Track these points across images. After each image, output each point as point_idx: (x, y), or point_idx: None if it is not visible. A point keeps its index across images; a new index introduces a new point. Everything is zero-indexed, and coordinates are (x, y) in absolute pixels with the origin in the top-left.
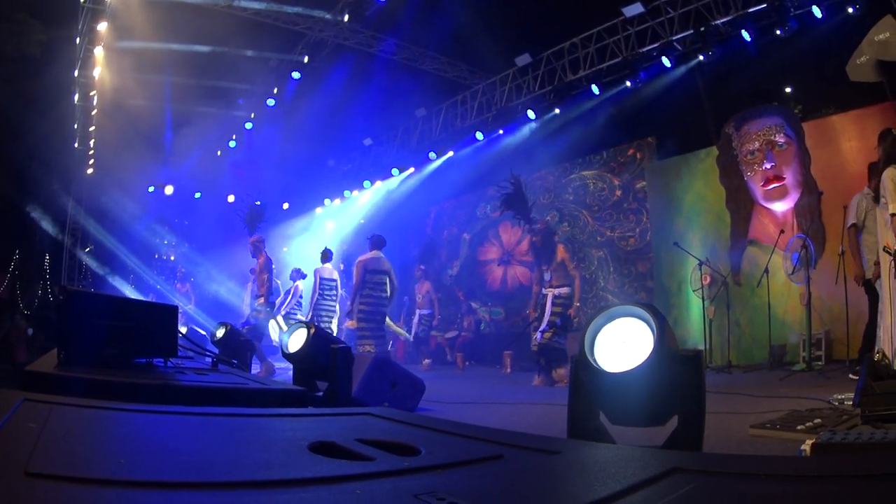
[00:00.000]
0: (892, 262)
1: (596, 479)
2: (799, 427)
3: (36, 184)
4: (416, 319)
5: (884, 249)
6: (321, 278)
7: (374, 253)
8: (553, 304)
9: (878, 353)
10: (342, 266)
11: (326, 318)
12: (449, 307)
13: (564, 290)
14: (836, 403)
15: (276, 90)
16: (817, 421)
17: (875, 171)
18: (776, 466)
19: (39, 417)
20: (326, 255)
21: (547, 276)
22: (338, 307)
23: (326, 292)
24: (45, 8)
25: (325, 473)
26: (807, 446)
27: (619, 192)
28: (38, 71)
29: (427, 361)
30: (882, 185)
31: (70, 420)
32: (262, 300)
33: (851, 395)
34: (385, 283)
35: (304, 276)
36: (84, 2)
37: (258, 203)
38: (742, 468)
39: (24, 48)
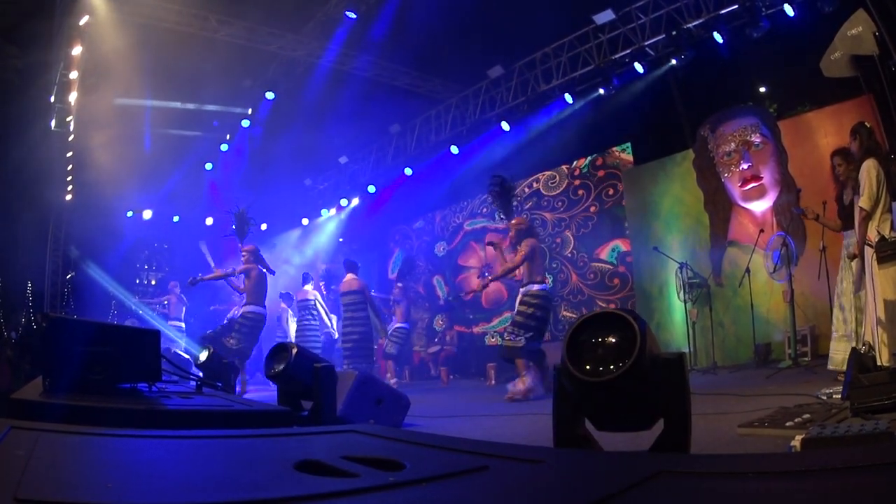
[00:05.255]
0: (874, 255)
1: (582, 487)
2: (788, 423)
3: (14, 211)
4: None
5: (866, 243)
6: (296, 301)
7: (347, 277)
8: None
9: (863, 345)
10: (322, 284)
11: (312, 338)
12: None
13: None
14: (825, 398)
15: (250, 111)
16: (806, 416)
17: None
18: (764, 464)
19: (27, 445)
20: (303, 279)
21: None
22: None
23: (303, 313)
24: (21, 33)
25: (310, 491)
26: (796, 442)
27: (595, 199)
28: (14, 97)
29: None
30: (860, 176)
31: (57, 447)
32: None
33: (840, 389)
34: (362, 301)
35: (291, 297)
36: (59, 26)
37: (242, 209)
38: (729, 467)
39: (1, 74)
